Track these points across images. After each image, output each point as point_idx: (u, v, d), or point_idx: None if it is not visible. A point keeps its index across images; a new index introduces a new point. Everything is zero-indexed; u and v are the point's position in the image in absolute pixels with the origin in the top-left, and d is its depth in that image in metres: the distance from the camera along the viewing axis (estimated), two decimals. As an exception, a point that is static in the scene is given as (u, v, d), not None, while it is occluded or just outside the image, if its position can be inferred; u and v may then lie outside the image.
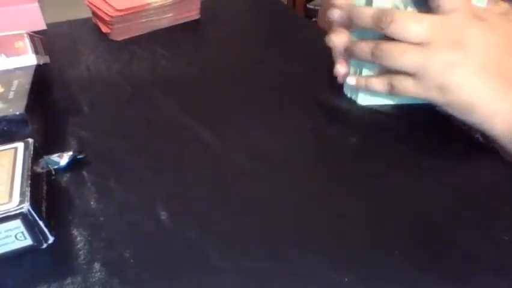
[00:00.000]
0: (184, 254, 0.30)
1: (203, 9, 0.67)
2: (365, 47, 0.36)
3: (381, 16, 0.34)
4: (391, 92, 0.36)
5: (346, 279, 0.28)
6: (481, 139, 0.43)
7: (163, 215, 0.33)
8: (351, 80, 0.40)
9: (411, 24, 0.33)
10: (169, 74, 0.53)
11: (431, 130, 0.42)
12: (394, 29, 0.33)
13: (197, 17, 0.67)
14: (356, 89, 0.42)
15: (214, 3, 0.71)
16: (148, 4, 0.61)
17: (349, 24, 0.39)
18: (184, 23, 0.66)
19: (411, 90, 0.35)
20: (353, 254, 0.30)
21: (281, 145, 0.40)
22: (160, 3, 0.62)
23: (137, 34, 0.62)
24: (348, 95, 0.45)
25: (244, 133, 0.42)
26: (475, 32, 0.33)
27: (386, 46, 0.34)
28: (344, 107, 0.46)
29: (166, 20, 0.64)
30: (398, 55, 0.34)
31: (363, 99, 0.43)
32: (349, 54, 0.39)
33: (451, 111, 0.35)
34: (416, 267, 0.29)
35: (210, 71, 0.53)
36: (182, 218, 0.33)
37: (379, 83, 0.37)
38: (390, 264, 0.29)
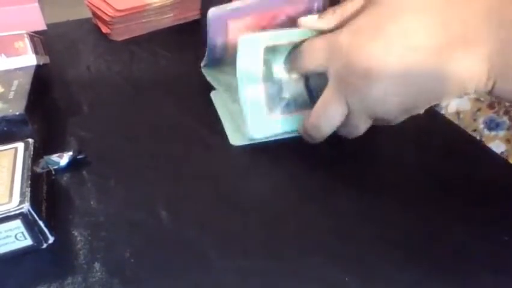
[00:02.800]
0: (184, 254, 0.30)
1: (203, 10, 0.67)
2: None
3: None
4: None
5: (346, 279, 0.28)
6: (483, 140, 0.43)
7: (163, 215, 0.33)
8: None
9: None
10: (169, 74, 0.53)
11: (431, 130, 0.42)
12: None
13: (197, 17, 0.67)
14: None
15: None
16: (148, 4, 0.61)
17: None
18: (185, 23, 0.66)
19: None
20: (353, 254, 0.30)
21: (281, 144, 0.40)
22: (160, 3, 0.62)
23: (138, 34, 0.62)
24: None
25: (244, 133, 0.42)
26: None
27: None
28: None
29: (166, 20, 0.64)
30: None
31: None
32: None
33: None
34: (416, 267, 0.29)
35: (210, 71, 0.53)
36: (182, 218, 0.33)
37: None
38: (390, 264, 0.29)
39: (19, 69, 0.43)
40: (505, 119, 0.44)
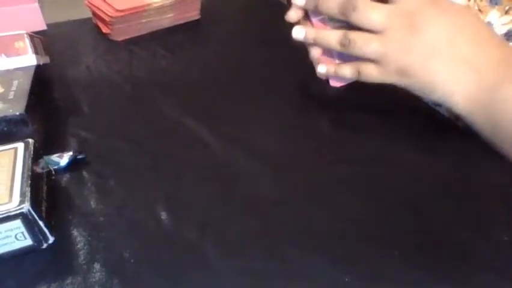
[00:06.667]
0: (184, 254, 0.30)
1: (203, 10, 0.67)
2: (333, 37, 0.38)
3: (346, 4, 0.36)
4: (358, 77, 0.38)
5: (346, 279, 0.28)
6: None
7: (163, 215, 0.33)
8: (321, 68, 0.41)
9: (371, 12, 0.35)
10: (169, 74, 0.53)
11: (431, 131, 0.42)
12: (356, 17, 0.36)
13: (197, 17, 0.67)
14: (327, 75, 0.42)
15: (215, 3, 0.71)
16: (148, 4, 0.61)
17: (314, 11, 0.40)
18: (184, 23, 0.66)
19: (375, 75, 0.37)
20: (353, 254, 0.30)
21: (281, 145, 0.40)
22: (160, 3, 0.62)
23: (138, 34, 0.62)
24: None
25: (244, 133, 0.42)
26: (428, 17, 0.34)
27: (353, 36, 0.36)
28: (345, 108, 0.46)
29: (166, 20, 0.64)
30: (361, 44, 0.36)
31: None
32: (317, 43, 0.40)
33: (414, 92, 0.37)
34: (416, 267, 0.29)
35: (210, 71, 0.53)
36: (182, 218, 0.33)
37: (348, 70, 0.39)
38: (390, 264, 0.29)
39: (19, 69, 0.43)
40: None
